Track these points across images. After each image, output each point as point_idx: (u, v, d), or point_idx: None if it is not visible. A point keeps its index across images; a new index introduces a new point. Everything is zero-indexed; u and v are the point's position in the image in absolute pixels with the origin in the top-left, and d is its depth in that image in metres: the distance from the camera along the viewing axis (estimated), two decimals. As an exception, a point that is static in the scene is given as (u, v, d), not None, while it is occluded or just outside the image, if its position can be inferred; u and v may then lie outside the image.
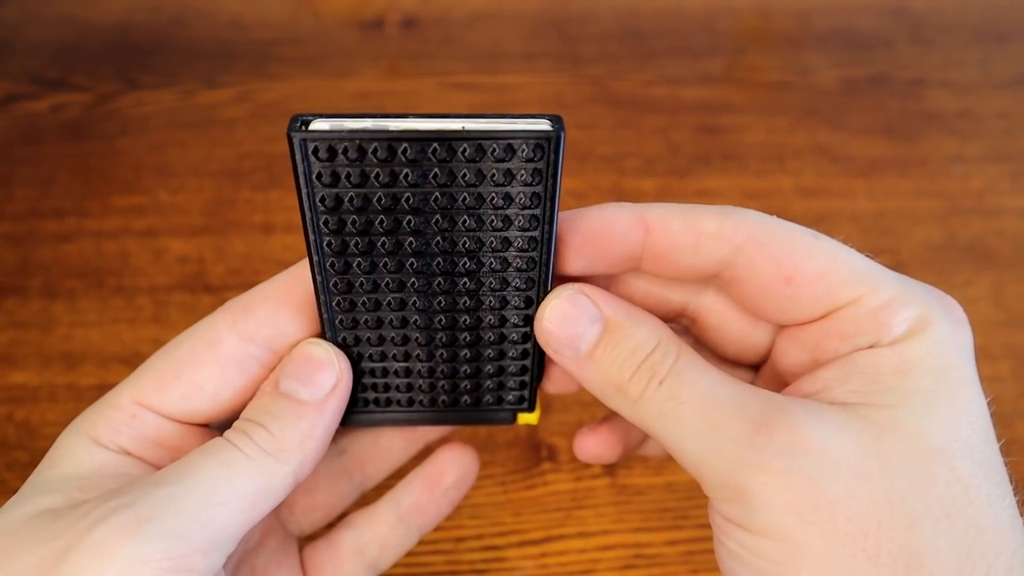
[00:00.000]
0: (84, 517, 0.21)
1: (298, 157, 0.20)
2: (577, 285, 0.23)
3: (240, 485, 0.22)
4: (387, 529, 0.28)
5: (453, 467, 0.29)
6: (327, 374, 0.24)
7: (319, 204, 0.21)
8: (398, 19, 0.56)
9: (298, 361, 0.24)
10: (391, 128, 0.20)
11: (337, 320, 0.24)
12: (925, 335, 0.22)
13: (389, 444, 0.29)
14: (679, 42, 0.55)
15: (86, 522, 0.21)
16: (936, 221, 0.47)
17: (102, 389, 0.28)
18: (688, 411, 0.22)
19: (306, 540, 0.29)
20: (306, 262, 0.24)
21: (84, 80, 0.52)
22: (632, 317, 0.23)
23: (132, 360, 0.41)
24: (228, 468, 0.22)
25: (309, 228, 0.22)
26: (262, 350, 0.25)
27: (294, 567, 0.28)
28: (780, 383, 0.24)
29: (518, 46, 0.55)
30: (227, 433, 0.23)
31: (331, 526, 0.29)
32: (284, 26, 0.56)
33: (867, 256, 0.24)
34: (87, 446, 0.24)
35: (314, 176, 0.21)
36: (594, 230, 0.23)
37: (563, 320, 0.23)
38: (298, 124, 0.20)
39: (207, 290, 0.44)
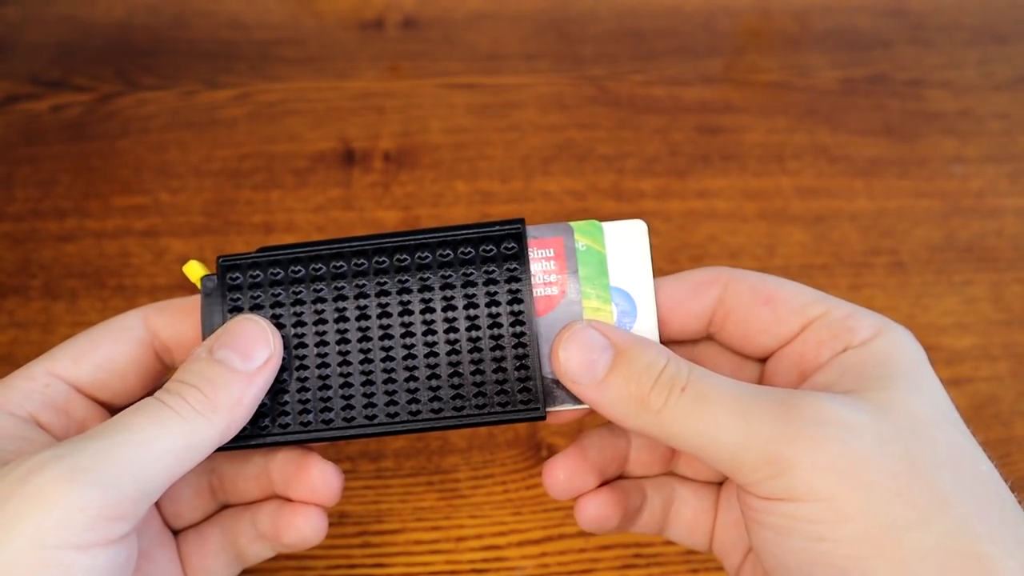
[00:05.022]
0: (16, 469, 0.22)
1: None
2: (583, 321, 0.26)
3: (171, 441, 0.23)
4: (246, 541, 0.29)
5: (306, 492, 0.28)
6: (262, 347, 0.26)
7: None
8: (398, 19, 0.56)
9: (234, 332, 0.26)
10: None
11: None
12: (888, 334, 0.26)
13: (256, 471, 0.29)
14: (679, 42, 0.55)
15: (20, 472, 0.22)
16: (936, 221, 0.47)
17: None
18: (718, 406, 0.24)
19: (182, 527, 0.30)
20: None
21: (85, 81, 0.53)
22: (639, 342, 0.25)
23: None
24: (160, 425, 0.23)
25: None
26: (163, 347, 0.28)
27: (172, 550, 0.29)
28: None
29: (518, 46, 0.55)
30: (158, 394, 0.24)
31: (207, 517, 0.30)
32: (284, 26, 0.56)
33: None
34: None
35: None
36: None
37: (578, 349, 0.25)
38: None
39: (208, 290, 0.44)
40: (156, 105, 0.52)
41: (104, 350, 0.27)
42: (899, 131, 0.51)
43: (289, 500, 0.29)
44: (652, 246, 0.27)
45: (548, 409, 0.26)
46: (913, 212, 0.48)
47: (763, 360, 0.29)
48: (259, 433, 0.27)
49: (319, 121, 0.51)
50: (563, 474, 0.28)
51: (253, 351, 0.25)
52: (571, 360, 0.25)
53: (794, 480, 0.22)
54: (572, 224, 0.27)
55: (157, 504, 0.29)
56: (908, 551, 0.21)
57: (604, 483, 0.29)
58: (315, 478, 0.28)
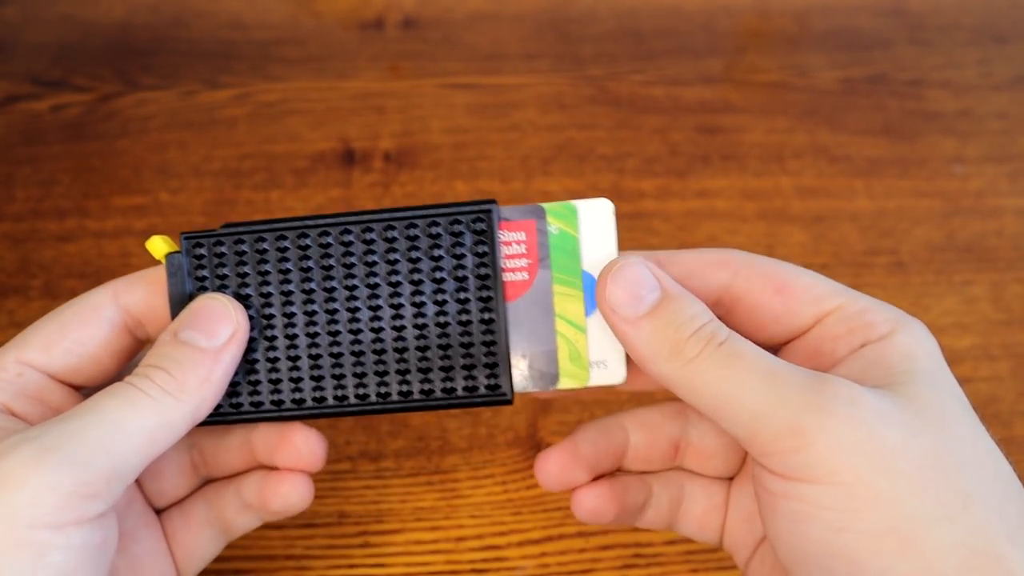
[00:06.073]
0: None
1: None
2: (639, 258, 0.26)
3: (142, 421, 0.24)
4: (232, 512, 0.29)
5: (291, 458, 0.29)
6: (225, 324, 0.26)
7: None
8: (398, 19, 0.56)
9: (197, 312, 0.26)
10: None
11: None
12: (907, 329, 0.25)
13: (237, 444, 0.29)
14: (678, 42, 0.55)
15: None
16: (935, 221, 0.47)
17: (103, 389, 0.28)
18: (750, 367, 0.23)
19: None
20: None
21: (85, 81, 0.53)
22: (688, 294, 0.25)
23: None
24: (131, 405, 0.24)
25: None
26: (136, 323, 0.28)
27: (156, 529, 0.29)
28: None
29: (518, 46, 0.55)
30: (128, 378, 0.25)
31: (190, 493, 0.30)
32: (284, 26, 0.56)
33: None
34: None
35: None
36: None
37: (627, 282, 0.25)
38: None
39: (208, 290, 0.44)
40: (156, 105, 0.52)
41: (74, 335, 0.27)
42: (899, 131, 0.51)
43: (274, 468, 0.29)
44: (622, 233, 0.27)
45: (515, 392, 0.27)
46: (913, 212, 0.48)
47: (772, 350, 0.28)
48: (232, 412, 0.27)
49: (319, 121, 0.51)
50: (555, 467, 0.29)
51: (217, 329, 0.26)
52: (617, 290, 0.25)
53: (815, 457, 0.22)
54: (545, 206, 0.26)
55: (139, 484, 0.29)
56: (930, 547, 0.21)
57: (602, 477, 0.29)
58: (299, 445, 0.28)
